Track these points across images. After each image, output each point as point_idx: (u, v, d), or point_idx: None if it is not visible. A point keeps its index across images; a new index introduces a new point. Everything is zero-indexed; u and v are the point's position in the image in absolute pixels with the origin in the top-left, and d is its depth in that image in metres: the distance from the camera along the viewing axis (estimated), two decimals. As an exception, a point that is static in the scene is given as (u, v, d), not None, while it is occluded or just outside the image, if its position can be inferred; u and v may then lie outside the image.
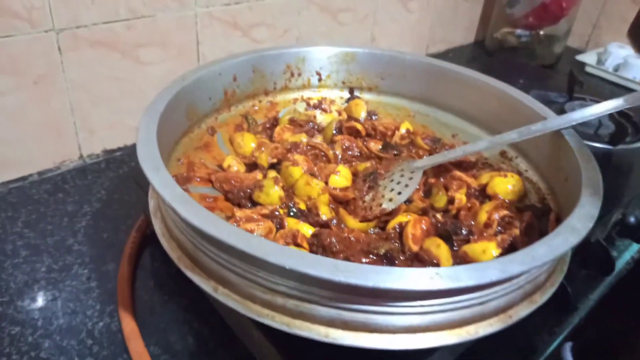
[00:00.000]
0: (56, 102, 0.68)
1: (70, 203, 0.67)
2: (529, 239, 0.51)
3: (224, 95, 0.64)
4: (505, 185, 0.56)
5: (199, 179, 0.56)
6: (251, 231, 0.46)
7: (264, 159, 0.59)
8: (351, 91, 0.74)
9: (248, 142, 0.62)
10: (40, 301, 0.53)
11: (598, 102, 0.89)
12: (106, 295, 0.54)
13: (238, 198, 0.53)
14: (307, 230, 0.49)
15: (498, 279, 0.35)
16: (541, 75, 1.11)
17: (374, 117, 0.72)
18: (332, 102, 0.74)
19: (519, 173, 0.61)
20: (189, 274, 0.42)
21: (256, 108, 0.69)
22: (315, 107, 0.73)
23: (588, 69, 1.20)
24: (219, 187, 0.54)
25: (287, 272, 0.34)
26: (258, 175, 0.55)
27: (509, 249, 0.51)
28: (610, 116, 0.85)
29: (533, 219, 0.52)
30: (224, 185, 0.53)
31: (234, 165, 0.58)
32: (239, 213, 0.48)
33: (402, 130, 0.67)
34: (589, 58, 1.22)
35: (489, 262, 0.36)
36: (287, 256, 0.34)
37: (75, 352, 0.48)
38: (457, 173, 0.59)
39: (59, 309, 0.52)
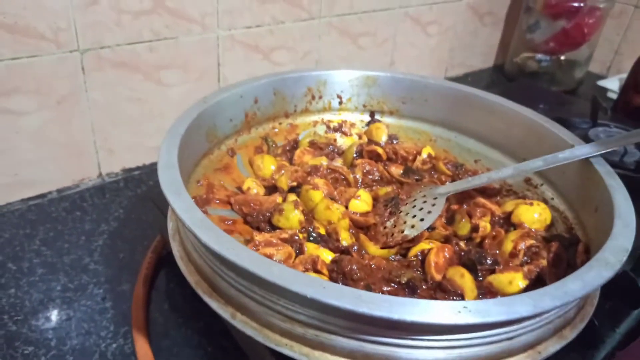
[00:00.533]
0: (78, 122, 0.69)
1: (87, 222, 0.66)
2: (556, 270, 0.49)
3: (245, 117, 0.64)
4: (531, 213, 0.54)
5: (218, 201, 0.55)
6: (270, 256, 0.45)
7: (284, 182, 0.58)
8: (372, 115, 0.74)
9: (268, 165, 0.62)
10: (54, 320, 0.52)
11: (623, 128, 0.90)
12: (121, 316, 0.53)
13: (257, 221, 0.52)
14: (327, 256, 0.48)
15: (529, 314, 0.33)
16: (562, 100, 1.09)
17: (394, 141, 0.72)
18: (352, 125, 0.73)
19: (545, 201, 0.59)
20: (207, 299, 0.41)
21: (276, 130, 0.69)
22: (335, 130, 0.73)
23: (610, 95, 1.18)
24: (238, 210, 0.53)
25: (308, 301, 0.33)
26: (278, 198, 0.54)
27: (535, 280, 0.49)
28: (637, 144, 0.83)
29: (561, 249, 0.51)
30: (243, 208, 0.53)
31: (254, 187, 0.58)
32: (258, 237, 0.48)
33: (424, 155, 0.66)
34: (610, 84, 1.20)
35: (520, 297, 0.34)
36: (309, 285, 0.33)
37: None
38: (481, 200, 0.57)
39: (72, 329, 0.51)
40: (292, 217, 0.51)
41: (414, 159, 0.66)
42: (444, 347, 0.36)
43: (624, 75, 1.18)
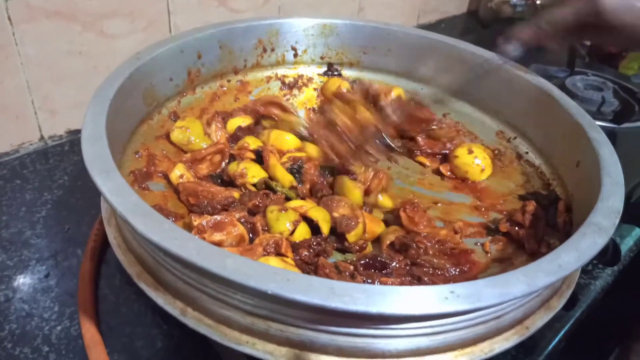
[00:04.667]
0: (11, 81, 0.61)
1: (29, 190, 0.61)
2: (534, 230, 0.46)
3: (188, 75, 0.57)
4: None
5: (160, 174, 0.49)
6: (220, 242, 0.39)
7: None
8: (330, 67, 0.68)
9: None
10: None
11: (601, 76, 0.87)
12: (66, 295, 0.49)
13: (205, 213, 0.45)
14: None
15: (523, 294, 0.29)
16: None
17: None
18: (309, 80, 0.67)
19: (519, 156, 0.56)
20: (152, 294, 0.35)
21: (225, 89, 0.62)
22: (291, 86, 0.66)
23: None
24: (185, 200, 0.47)
25: (269, 297, 0.28)
26: (234, 193, 0.47)
27: (515, 245, 0.46)
28: (615, 93, 0.81)
29: (538, 209, 0.47)
30: (190, 199, 0.46)
31: (185, 175, 0.49)
32: (198, 221, 0.41)
33: (393, 95, 0.60)
34: (586, 31, 1.16)
35: (512, 275, 0.30)
36: (270, 278, 0.28)
37: None
38: None
39: (11, 312, 0.46)
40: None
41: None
42: (428, 334, 0.32)
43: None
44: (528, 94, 0.55)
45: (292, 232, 0.43)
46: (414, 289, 0.29)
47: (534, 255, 0.44)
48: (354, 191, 0.48)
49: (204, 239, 0.39)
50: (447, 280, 0.41)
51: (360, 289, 0.28)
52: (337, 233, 0.45)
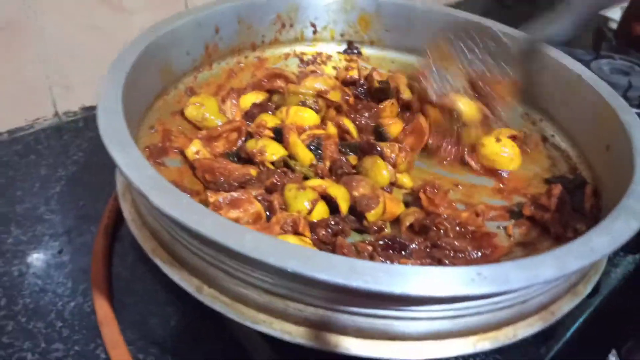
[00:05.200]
0: (26, 54, 0.60)
1: (43, 166, 0.60)
2: (560, 215, 0.44)
3: (205, 51, 0.56)
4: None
5: (176, 150, 0.48)
6: (237, 220, 0.38)
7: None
8: (350, 45, 0.66)
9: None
10: (4, 277, 0.47)
11: (628, 60, 0.84)
12: (80, 271, 0.48)
13: (221, 190, 0.44)
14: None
15: (554, 277, 0.28)
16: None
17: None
18: (328, 57, 0.65)
19: (544, 139, 0.54)
20: (167, 269, 0.34)
21: (242, 65, 0.61)
22: (309, 63, 0.64)
23: (610, 24, 1.11)
24: (201, 176, 0.46)
25: (289, 275, 0.27)
26: (251, 170, 0.46)
27: (539, 229, 0.44)
28: None
29: (564, 193, 0.46)
30: (206, 176, 0.45)
31: (201, 151, 0.48)
32: (214, 197, 0.40)
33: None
34: (612, 13, 1.12)
35: (542, 258, 0.29)
36: (290, 256, 0.27)
37: (42, 336, 0.42)
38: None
39: (25, 287, 0.46)
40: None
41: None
42: (450, 317, 0.31)
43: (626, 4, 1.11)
44: (555, 75, 0.53)
45: (310, 211, 0.42)
46: (439, 270, 0.28)
47: (559, 239, 0.43)
48: (383, 173, 0.47)
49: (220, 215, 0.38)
50: (468, 263, 0.40)
51: (382, 269, 0.27)
52: (356, 212, 0.44)
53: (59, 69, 0.64)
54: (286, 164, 0.47)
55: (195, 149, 0.47)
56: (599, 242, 0.30)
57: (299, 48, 0.64)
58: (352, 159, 0.50)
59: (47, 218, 0.53)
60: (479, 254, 0.42)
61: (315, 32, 0.64)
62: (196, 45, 0.55)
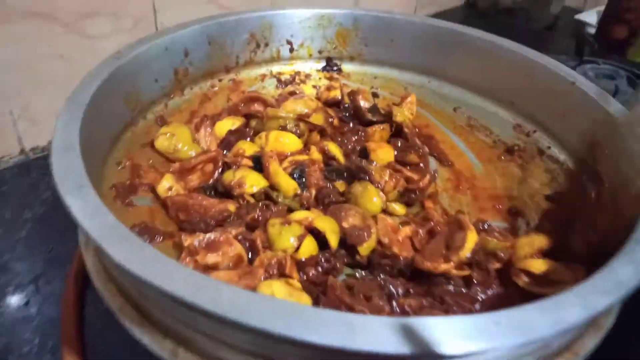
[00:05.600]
0: None
1: (8, 208, 0.57)
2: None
3: (174, 76, 0.53)
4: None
5: (146, 187, 0.44)
6: (215, 265, 0.34)
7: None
8: (329, 62, 0.63)
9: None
10: None
11: (612, 64, 0.82)
12: (49, 324, 0.45)
13: (197, 230, 0.40)
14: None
15: (581, 319, 0.24)
16: (540, 38, 1.01)
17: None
18: (307, 76, 0.62)
19: (540, 151, 0.51)
20: (137, 331, 0.30)
21: (216, 89, 0.57)
22: (287, 83, 0.61)
23: (588, 29, 1.10)
24: (174, 215, 0.42)
25: (278, 337, 0.23)
26: (229, 206, 0.42)
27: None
28: (629, 80, 0.77)
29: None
30: (180, 214, 0.41)
31: (174, 187, 0.44)
32: (189, 240, 0.36)
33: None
34: (589, 17, 1.11)
35: (564, 297, 0.25)
36: (277, 315, 0.23)
37: None
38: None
39: None
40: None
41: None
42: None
43: (603, 8, 1.11)
44: (547, 82, 0.50)
45: (297, 248, 0.38)
46: (450, 322, 0.24)
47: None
48: (374, 200, 0.43)
49: (196, 261, 0.34)
50: (472, 300, 0.36)
51: (386, 325, 0.23)
52: (347, 246, 0.40)
53: (24, 102, 0.61)
54: (268, 195, 0.43)
55: (167, 184, 0.43)
56: (624, 274, 0.27)
57: (275, 68, 0.61)
58: (340, 185, 0.46)
59: (12, 266, 0.50)
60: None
61: (292, 50, 0.61)
62: (164, 71, 0.52)
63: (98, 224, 0.27)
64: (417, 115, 0.58)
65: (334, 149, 0.48)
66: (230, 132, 0.51)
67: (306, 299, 0.33)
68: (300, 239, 0.37)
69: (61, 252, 0.52)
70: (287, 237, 0.38)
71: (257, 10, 0.57)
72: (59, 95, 0.60)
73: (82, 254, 0.46)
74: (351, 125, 0.52)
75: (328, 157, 0.48)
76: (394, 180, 0.45)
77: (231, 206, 0.42)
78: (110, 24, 0.64)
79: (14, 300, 0.47)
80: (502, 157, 0.52)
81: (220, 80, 0.58)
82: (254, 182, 0.44)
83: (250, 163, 0.46)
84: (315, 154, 0.47)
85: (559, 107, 0.50)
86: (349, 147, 0.50)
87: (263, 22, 0.58)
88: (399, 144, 0.50)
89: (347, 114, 0.54)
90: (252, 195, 0.43)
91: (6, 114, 0.60)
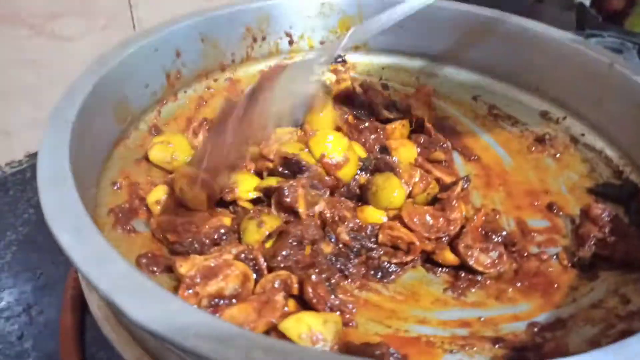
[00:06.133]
0: None
1: None
2: (625, 242, 0.38)
3: (166, 79, 0.50)
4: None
5: (147, 208, 0.39)
6: (220, 292, 0.31)
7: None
8: (331, 53, 0.59)
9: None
10: None
11: (617, 37, 0.80)
12: (46, 358, 0.44)
13: (190, 252, 0.36)
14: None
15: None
16: (532, 10, 0.98)
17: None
18: (309, 70, 0.58)
19: (573, 139, 0.48)
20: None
21: (212, 90, 0.54)
22: (288, 79, 0.57)
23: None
24: (161, 237, 0.38)
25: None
26: (224, 220, 0.38)
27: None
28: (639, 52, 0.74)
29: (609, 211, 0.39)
30: (169, 236, 0.37)
31: (165, 199, 0.40)
32: (184, 267, 0.33)
33: None
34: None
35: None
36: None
37: None
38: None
39: None
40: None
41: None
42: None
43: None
44: (575, 64, 0.48)
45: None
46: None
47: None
48: (397, 194, 0.40)
49: (197, 294, 0.31)
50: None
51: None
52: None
53: None
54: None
55: (158, 197, 0.39)
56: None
57: (275, 63, 0.58)
58: (361, 178, 0.43)
59: (0, 297, 0.48)
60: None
61: (291, 42, 0.58)
62: (155, 75, 0.49)
63: (107, 275, 0.23)
64: (434, 107, 0.54)
65: (358, 149, 0.44)
66: None
67: (338, 320, 0.31)
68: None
69: (51, 275, 0.50)
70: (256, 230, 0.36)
71: (253, 1, 0.54)
72: (31, 102, 0.61)
73: (77, 277, 0.44)
74: (367, 124, 0.48)
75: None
76: (424, 182, 0.41)
77: (226, 219, 0.38)
78: (81, 22, 0.62)
79: (6, 335, 0.44)
80: (533, 148, 0.49)
81: (215, 81, 0.55)
82: (248, 187, 0.40)
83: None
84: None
85: (589, 90, 0.47)
86: (367, 145, 0.46)
87: (259, 15, 0.55)
88: (422, 141, 0.46)
89: (362, 111, 0.50)
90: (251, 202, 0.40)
91: (-25, 127, 0.59)
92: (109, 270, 0.23)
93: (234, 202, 0.40)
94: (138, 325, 0.21)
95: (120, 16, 0.65)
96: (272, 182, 0.39)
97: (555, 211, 0.42)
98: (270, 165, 0.41)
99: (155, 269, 0.35)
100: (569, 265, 0.38)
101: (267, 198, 0.40)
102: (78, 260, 0.24)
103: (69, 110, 0.35)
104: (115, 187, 0.41)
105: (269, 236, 0.36)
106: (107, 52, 0.43)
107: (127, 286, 0.23)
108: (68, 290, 0.46)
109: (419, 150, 0.46)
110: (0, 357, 0.44)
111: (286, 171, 0.40)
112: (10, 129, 0.62)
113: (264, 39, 0.56)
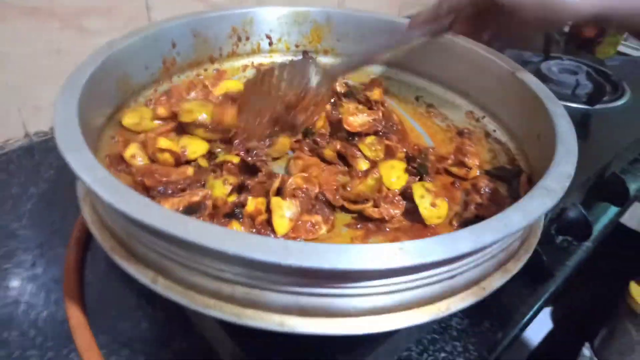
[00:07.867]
0: None
1: (15, 185, 0.62)
2: (496, 206, 0.47)
3: (163, 64, 0.58)
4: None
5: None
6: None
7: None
8: (305, 55, 0.69)
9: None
10: None
11: (576, 61, 0.89)
12: (52, 282, 0.50)
13: (164, 196, 0.44)
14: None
15: (470, 250, 0.31)
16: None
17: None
18: (285, 67, 0.68)
19: (487, 134, 0.57)
20: (124, 264, 0.36)
21: (202, 77, 0.63)
22: (267, 74, 0.67)
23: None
24: (140, 182, 0.44)
25: (231, 258, 0.30)
26: (188, 170, 0.46)
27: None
28: (588, 75, 0.83)
29: (490, 184, 0.49)
30: (145, 181, 0.44)
31: (138, 156, 0.48)
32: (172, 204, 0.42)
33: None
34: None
35: (460, 233, 0.32)
36: (229, 240, 0.29)
37: (16, 344, 0.44)
38: None
39: None
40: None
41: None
42: (384, 293, 0.33)
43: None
44: (494, 74, 0.57)
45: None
46: (365, 247, 0.30)
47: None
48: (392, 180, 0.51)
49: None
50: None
51: (313, 248, 0.29)
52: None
53: (25, 92, 0.65)
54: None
55: (131, 152, 0.48)
56: (513, 218, 0.33)
57: (256, 59, 0.67)
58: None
59: (20, 234, 0.55)
60: None
61: (270, 43, 0.67)
62: (154, 60, 0.57)
63: (93, 175, 0.34)
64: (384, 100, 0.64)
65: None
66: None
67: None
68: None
69: (62, 224, 0.56)
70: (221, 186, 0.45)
71: (238, 7, 0.63)
72: (58, 85, 0.64)
73: (82, 223, 0.52)
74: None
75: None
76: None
77: (189, 170, 0.47)
78: (104, 20, 0.67)
79: (22, 261, 0.52)
80: (453, 139, 0.58)
81: (205, 70, 0.63)
82: (195, 149, 0.50)
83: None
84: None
85: (503, 95, 0.56)
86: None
87: (244, 18, 0.63)
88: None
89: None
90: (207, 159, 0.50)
91: (11, 103, 0.65)
92: (95, 174, 0.34)
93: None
94: (108, 205, 0.32)
95: (138, 17, 0.71)
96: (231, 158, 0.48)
97: (456, 186, 0.52)
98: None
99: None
100: (456, 226, 0.48)
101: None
102: (75, 167, 0.34)
103: (80, 76, 0.44)
104: (113, 140, 0.50)
105: (232, 190, 0.45)
106: (116, 39, 0.51)
107: (106, 184, 0.33)
108: (74, 233, 0.53)
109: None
110: (17, 277, 0.50)
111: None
112: (40, 105, 0.67)
113: (247, 38, 0.65)
